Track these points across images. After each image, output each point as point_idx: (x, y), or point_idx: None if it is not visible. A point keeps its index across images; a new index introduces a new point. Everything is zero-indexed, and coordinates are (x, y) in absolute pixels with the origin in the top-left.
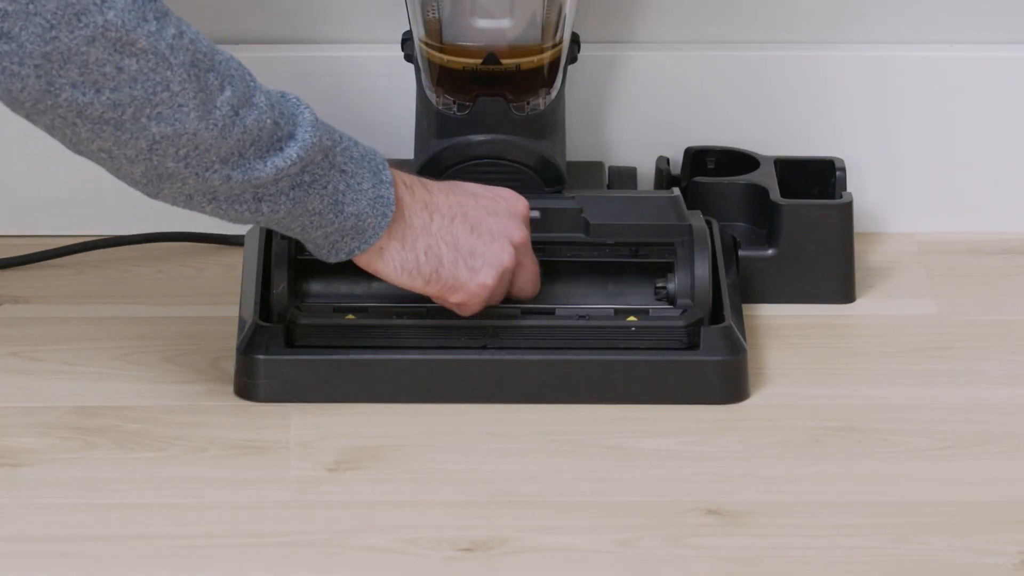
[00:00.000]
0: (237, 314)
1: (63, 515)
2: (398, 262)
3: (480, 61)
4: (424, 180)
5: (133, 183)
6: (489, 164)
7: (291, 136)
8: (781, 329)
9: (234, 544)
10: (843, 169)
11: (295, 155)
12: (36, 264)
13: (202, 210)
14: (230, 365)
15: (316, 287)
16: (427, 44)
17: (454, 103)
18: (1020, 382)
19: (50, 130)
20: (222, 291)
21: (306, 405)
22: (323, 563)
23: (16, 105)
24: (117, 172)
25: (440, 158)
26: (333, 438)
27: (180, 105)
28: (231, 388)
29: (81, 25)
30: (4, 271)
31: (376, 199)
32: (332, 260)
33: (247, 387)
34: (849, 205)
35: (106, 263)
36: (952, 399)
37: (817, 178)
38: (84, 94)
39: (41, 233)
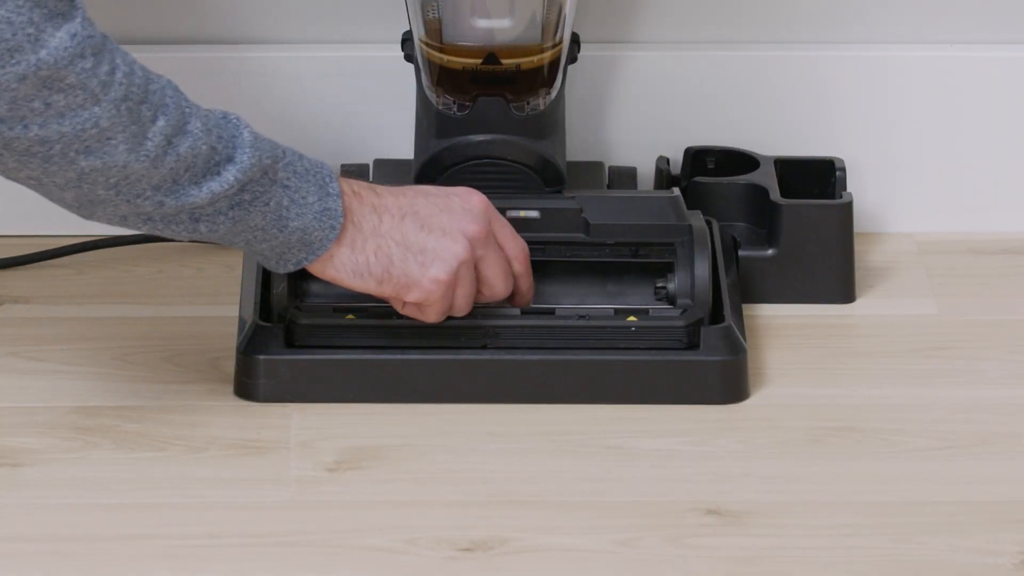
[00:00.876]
0: (237, 314)
1: (63, 515)
2: (349, 267)
3: (480, 61)
4: (375, 185)
5: (66, 206)
6: (489, 164)
7: (229, 159)
8: (781, 329)
9: (234, 544)
10: (843, 169)
11: (232, 178)
12: (36, 264)
13: (139, 229)
14: (230, 365)
15: (316, 287)
16: (427, 44)
17: (454, 103)
18: (1020, 382)
19: None
20: (222, 291)
21: (306, 405)
22: (323, 563)
23: None
24: (48, 196)
25: (440, 158)
26: (333, 438)
27: (109, 139)
28: (231, 388)
29: (13, 62)
30: (4, 271)
31: (323, 212)
32: (280, 271)
33: (247, 387)
34: (849, 205)
35: (106, 263)
36: (952, 399)
37: (817, 178)
38: (11, 128)
39: (41, 233)
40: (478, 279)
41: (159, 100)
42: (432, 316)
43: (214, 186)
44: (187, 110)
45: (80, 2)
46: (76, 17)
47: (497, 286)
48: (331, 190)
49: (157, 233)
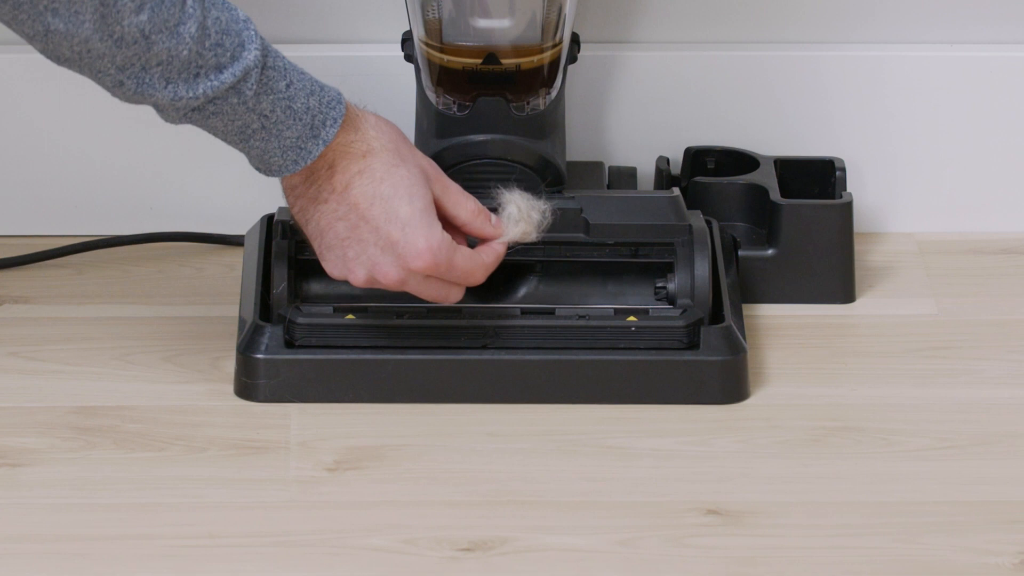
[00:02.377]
0: (237, 314)
1: (63, 515)
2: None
3: (480, 61)
4: (367, 151)
5: (33, 45)
6: (489, 164)
7: (219, 67)
8: (781, 329)
9: (234, 544)
10: (843, 169)
11: (202, 92)
12: (36, 264)
13: (105, 87)
14: (230, 365)
15: (316, 287)
16: (427, 44)
17: (454, 103)
18: (1020, 382)
19: None
20: (222, 291)
21: (306, 405)
22: (323, 563)
23: None
24: (20, 35)
25: (440, 158)
26: (333, 438)
27: (76, 12)
28: (231, 388)
29: None
30: (4, 271)
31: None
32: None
33: (247, 387)
34: (849, 205)
35: (106, 263)
36: (952, 399)
37: (817, 178)
38: None
39: (41, 233)
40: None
41: None
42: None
43: (182, 90)
44: (191, 9)
45: None
46: None
47: (471, 280)
48: (324, 135)
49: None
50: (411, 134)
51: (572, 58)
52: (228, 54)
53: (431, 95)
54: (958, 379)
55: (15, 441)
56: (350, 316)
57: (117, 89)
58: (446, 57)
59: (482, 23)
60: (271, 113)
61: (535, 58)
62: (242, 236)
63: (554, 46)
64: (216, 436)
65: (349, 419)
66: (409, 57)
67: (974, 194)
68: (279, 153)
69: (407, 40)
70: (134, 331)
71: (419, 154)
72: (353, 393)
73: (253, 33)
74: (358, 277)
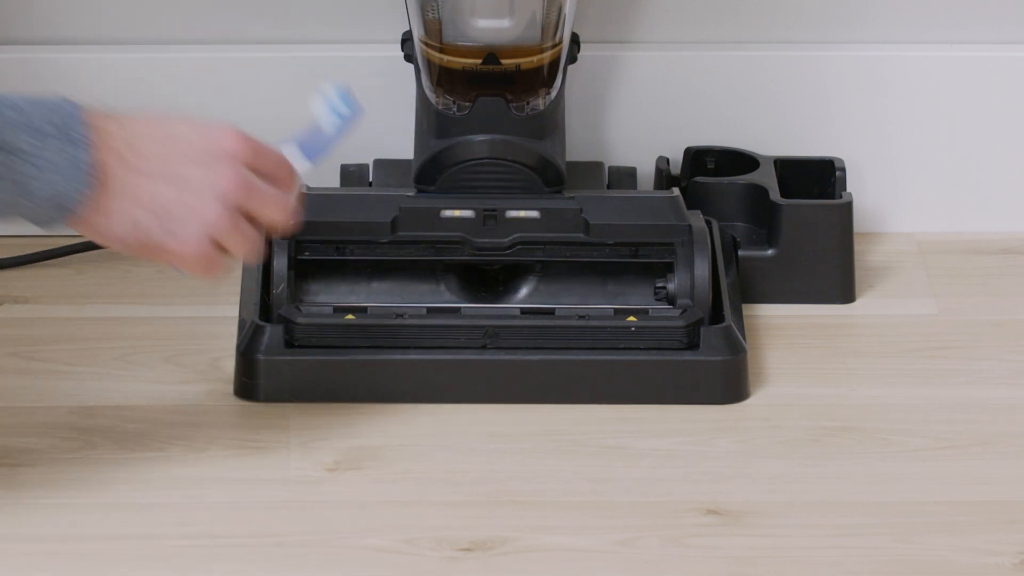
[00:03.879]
0: (237, 314)
1: (63, 515)
2: (106, 235)
3: (480, 61)
4: (125, 119)
5: None
6: (489, 164)
7: None
8: (781, 329)
9: (234, 544)
10: (843, 169)
11: None
12: (36, 264)
13: None
14: (230, 365)
15: (316, 287)
16: (427, 44)
17: (454, 103)
18: (1020, 382)
19: None
20: (222, 291)
21: (306, 405)
22: (323, 563)
23: None
24: None
25: (440, 158)
26: (333, 438)
27: None
28: (231, 388)
29: None
30: (4, 271)
31: (70, 166)
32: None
33: (247, 387)
34: (849, 205)
35: (106, 263)
36: (952, 399)
37: (817, 178)
38: None
39: (41, 233)
40: (252, 217)
41: None
42: (197, 272)
43: None
44: None
45: None
46: None
47: (274, 218)
48: (75, 134)
49: None
50: (411, 134)
51: (572, 58)
52: None
53: (431, 95)
54: (958, 379)
55: (15, 441)
56: (350, 316)
57: None
58: (446, 57)
59: (482, 23)
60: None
61: (535, 58)
62: None
63: (554, 46)
64: (216, 436)
65: (349, 419)
66: (409, 57)
67: (974, 194)
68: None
69: (407, 40)
70: (134, 331)
71: None
72: (353, 393)
73: None
74: (205, 212)
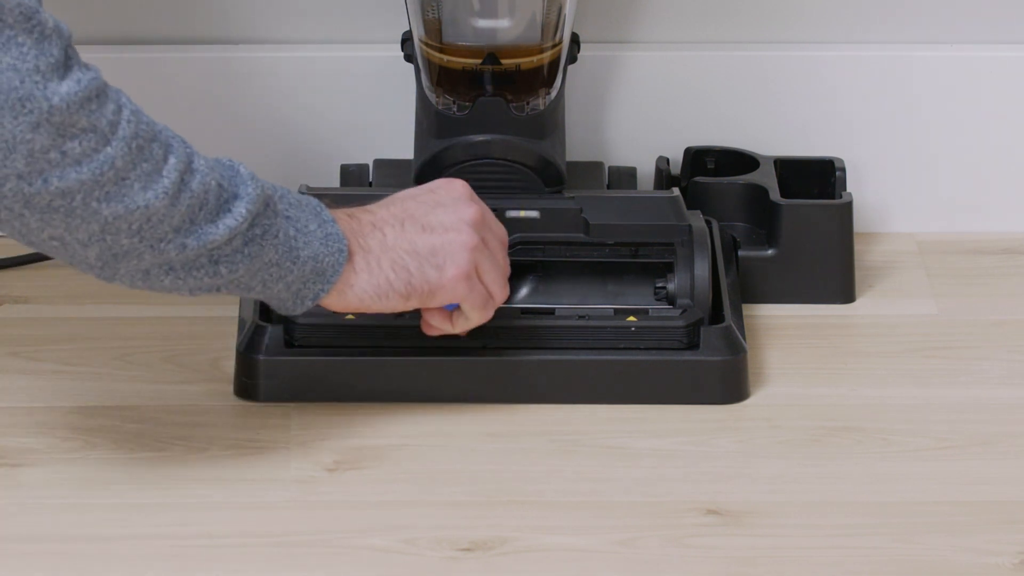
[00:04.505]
0: (237, 314)
1: (63, 515)
2: (371, 291)
3: (480, 61)
4: (364, 206)
5: (88, 268)
6: (489, 164)
7: (235, 196)
8: (781, 329)
9: (234, 544)
10: (843, 169)
11: (244, 211)
12: (36, 264)
13: (160, 284)
14: (230, 365)
15: None
16: (427, 44)
17: (454, 103)
18: (1020, 382)
19: None
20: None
21: (306, 405)
22: (323, 563)
23: None
24: (71, 258)
25: (440, 158)
26: (333, 438)
27: (124, 180)
28: (231, 388)
29: (26, 111)
30: (4, 271)
31: (326, 237)
32: (299, 311)
33: (247, 387)
34: (849, 205)
35: None
36: (952, 399)
37: (817, 178)
38: (31, 184)
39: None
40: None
41: (165, 139)
42: (475, 314)
43: (229, 221)
44: (188, 149)
45: (75, 50)
46: (76, 63)
47: (500, 261)
48: (325, 217)
49: (177, 288)
50: (411, 134)
51: (572, 58)
52: (232, 180)
53: (431, 95)
54: (958, 379)
55: (15, 441)
56: (350, 316)
57: (180, 255)
58: (446, 57)
59: (482, 23)
60: (290, 212)
61: (535, 58)
62: None
63: (554, 46)
64: (216, 436)
65: (349, 419)
66: (409, 57)
67: (974, 194)
68: (323, 246)
69: (407, 40)
70: (134, 331)
71: None
72: (353, 393)
73: (227, 159)
74: (461, 238)
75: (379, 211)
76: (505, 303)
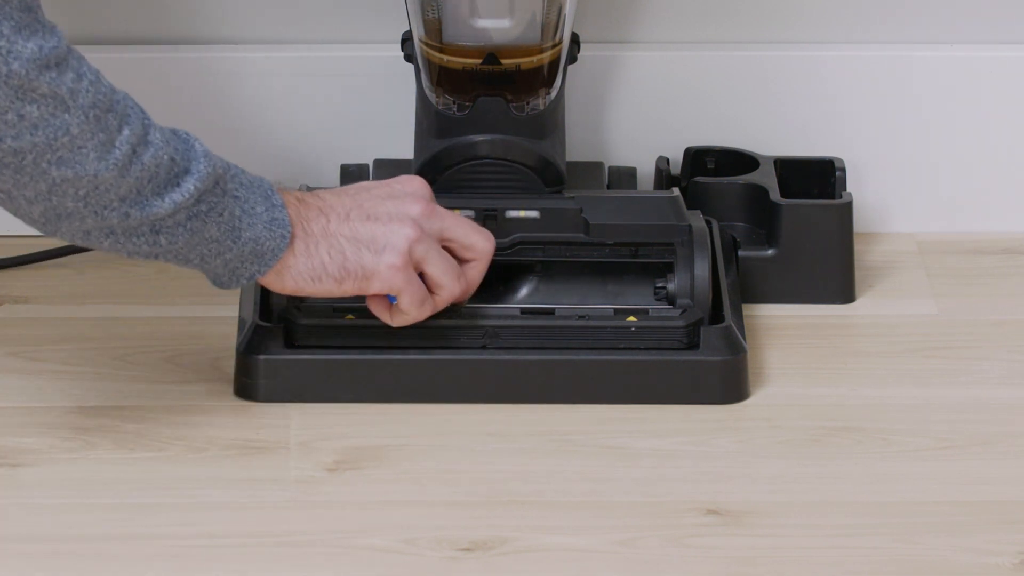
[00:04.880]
0: (237, 314)
1: (63, 515)
2: (306, 273)
3: (480, 61)
4: (317, 190)
5: (31, 222)
6: (489, 164)
7: (186, 170)
8: (781, 329)
9: (234, 544)
10: (843, 169)
11: (192, 187)
12: (36, 264)
13: (99, 245)
14: (230, 365)
15: None
16: (427, 44)
17: (454, 103)
18: (1020, 382)
19: None
20: (222, 291)
21: (306, 405)
22: (323, 563)
23: None
24: (15, 212)
25: (440, 158)
26: (333, 438)
27: (80, 148)
28: (231, 388)
29: None
30: (4, 271)
31: (271, 221)
32: (232, 287)
33: (247, 387)
34: (849, 205)
35: (106, 263)
36: (952, 399)
37: (817, 178)
38: None
39: (41, 233)
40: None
41: (123, 110)
42: (414, 306)
43: (175, 196)
44: (146, 121)
45: (40, 13)
46: (40, 28)
47: (476, 243)
48: (275, 201)
49: (116, 250)
50: (411, 134)
51: (572, 58)
52: (185, 154)
53: (431, 95)
54: (958, 379)
55: (15, 441)
56: (350, 316)
57: (122, 223)
58: (446, 57)
59: (482, 23)
60: (239, 192)
61: (535, 58)
62: None
63: (554, 46)
64: (216, 436)
65: (349, 419)
66: (409, 57)
67: (974, 194)
68: (266, 230)
69: (407, 40)
70: (134, 331)
71: None
72: (353, 393)
73: (184, 132)
74: (403, 229)
75: (330, 198)
76: (505, 303)
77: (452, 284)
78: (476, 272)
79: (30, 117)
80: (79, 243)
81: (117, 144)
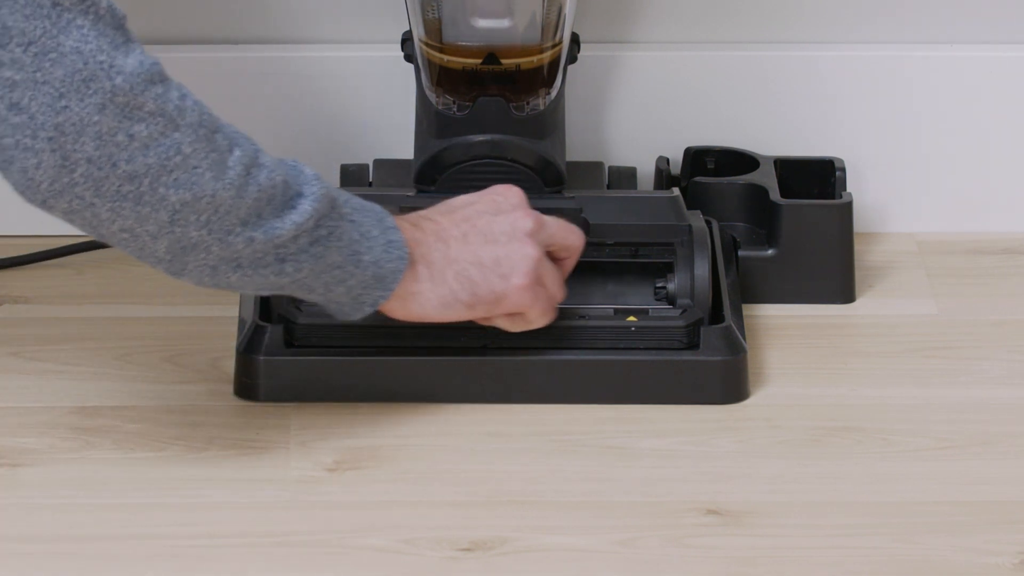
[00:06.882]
0: (237, 314)
1: (63, 515)
2: (435, 300)
3: (480, 61)
4: (423, 212)
5: (157, 261)
6: (489, 164)
7: (300, 193)
8: (781, 329)
9: (234, 544)
10: (843, 169)
11: (309, 209)
12: (36, 264)
13: (227, 281)
14: (230, 365)
15: None
16: (427, 44)
17: (454, 103)
18: (1020, 382)
19: (68, 215)
20: (222, 291)
21: (306, 405)
22: (323, 563)
23: (32, 188)
24: (141, 252)
25: (440, 158)
26: (333, 438)
27: (194, 167)
28: (231, 388)
29: (91, 92)
30: (4, 271)
31: (388, 244)
32: (357, 316)
33: (247, 387)
34: (849, 205)
35: (106, 263)
36: (952, 399)
37: (817, 178)
38: (100, 168)
39: (41, 233)
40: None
41: (230, 132)
42: (537, 318)
43: (295, 218)
44: (254, 144)
45: (131, 32)
46: (136, 46)
47: (572, 243)
48: (388, 223)
49: (244, 286)
50: (411, 134)
51: (572, 58)
52: (296, 177)
53: (431, 95)
54: (958, 379)
55: (15, 441)
56: None
57: (247, 248)
58: (446, 57)
59: (482, 23)
60: (354, 215)
61: (535, 58)
62: None
63: (554, 46)
64: (216, 436)
65: (349, 419)
66: (409, 57)
67: (974, 194)
68: (384, 252)
69: (407, 40)
70: (134, 331)
71: None
72: (353, 393)
73: (291, 160)
74: (524, 248)
75: (441, 220)
76: None
77: (562, 292)
78: (569, 268)
79: (140, 137)
80: (207, 283)
81: (230, 164)
